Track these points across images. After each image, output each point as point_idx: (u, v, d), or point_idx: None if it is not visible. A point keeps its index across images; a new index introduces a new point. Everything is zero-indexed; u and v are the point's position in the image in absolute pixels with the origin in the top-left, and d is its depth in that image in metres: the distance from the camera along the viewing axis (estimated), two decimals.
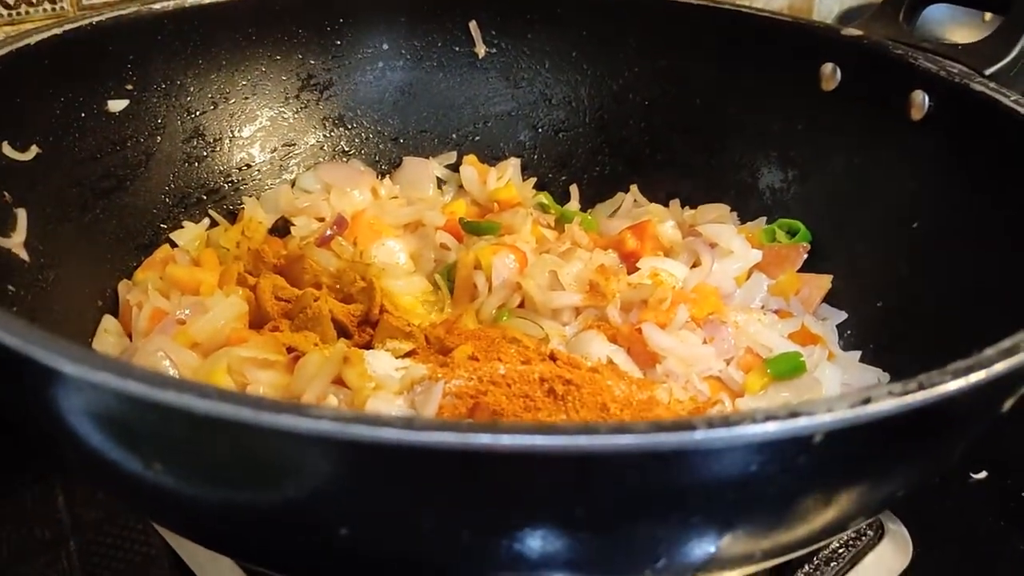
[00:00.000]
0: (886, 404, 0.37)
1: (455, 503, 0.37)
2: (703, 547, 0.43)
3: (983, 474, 0.83)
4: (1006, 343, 0.42)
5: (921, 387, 0.38)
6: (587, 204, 1.00)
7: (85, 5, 0.92)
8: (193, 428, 0.36)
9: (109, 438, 0.40)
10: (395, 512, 0.38)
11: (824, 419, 0.36)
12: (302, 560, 0.45)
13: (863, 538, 0.75)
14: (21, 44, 0.71)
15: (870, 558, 0.74)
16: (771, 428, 0.35)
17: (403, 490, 0.37)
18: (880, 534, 0.76)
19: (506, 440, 0.34)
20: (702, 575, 0.47)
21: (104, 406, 0.38)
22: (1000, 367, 0.40)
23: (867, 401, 0.37)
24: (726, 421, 0.35)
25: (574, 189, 1.01)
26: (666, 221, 0.90)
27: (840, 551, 0.74)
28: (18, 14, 0.88)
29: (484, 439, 0.34)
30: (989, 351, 0.41)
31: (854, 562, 0.74)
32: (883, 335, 0.79)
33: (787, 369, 0.72)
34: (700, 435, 0.35)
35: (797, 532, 0.45)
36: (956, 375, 0.39)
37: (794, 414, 0.36)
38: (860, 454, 0.40)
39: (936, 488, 0.81)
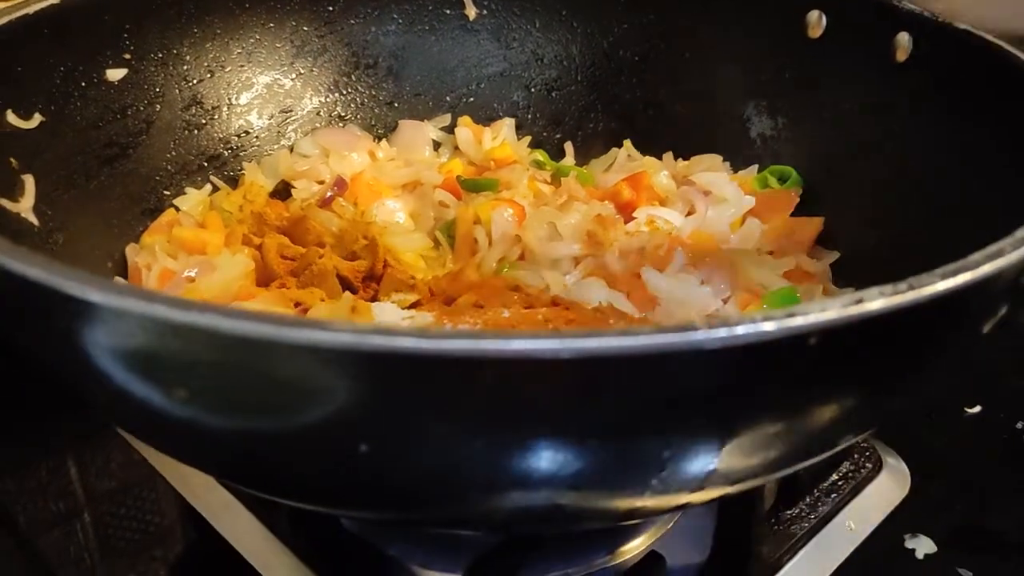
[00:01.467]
0: (877, 303, 0.39)
1: (468, 412, 0.39)
2: (704, 456, 0.44)
3: (977, 408, 0.85)
4: (992, 248, 0.44)
5: (911, 287, 0.40)
6: (582, 161, 1.02)
7: None
8: (218, 349, 0.38)
9: (134, 367, 0.42)
10: (412, 424, 0.40)
11: (819, 318, 0.38)
12: (323, 484, 0.47)
13: (862, 470, 0.78)
14: (20, 14, 0.72)
15: (869, 489, 0.76)
16: (768, 328, 0.37)
17: (419, 400, 0.39)
18: (879, 467, 0.78)
19: (516, 344, 0.36)
20: (704, 492, 0.49)
21: (130, 334, 0.40)
22: (986, 268, 0.42)
23: (859, 301, 0.39)
24: (726, 321, 0.37)
25: (569, 147, 1.03)
26: (660, 172, 0.92)
27: (840, 483, 0.76)
28: None
29: (495, 344, 0.36)
30: (975, 255, 0.43)
31: (854, 493, 0.76)
32: (876, 272, 0.80)
33: (783, 304, 0.74)
34: (701, 335, 0.36)
35: (792, 442, 0.47)
36: (944, 276, 0.41)
37: (790, 314, 0.38)
38: (854, 357, 0.42)
39: (932, 423, 0.83)
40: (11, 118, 0.71)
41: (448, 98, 1.04)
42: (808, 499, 0.74)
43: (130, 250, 0.79)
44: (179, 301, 0.37)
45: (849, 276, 0.83)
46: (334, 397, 0.39)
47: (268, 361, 0.37)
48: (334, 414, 0.40)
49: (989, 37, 0.74)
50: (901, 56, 0.81)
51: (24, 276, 0.40)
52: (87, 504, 0.75)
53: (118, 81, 0.82)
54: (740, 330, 0.37)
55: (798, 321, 0.38)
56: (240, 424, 0.43)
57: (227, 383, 0.40)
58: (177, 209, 0.86)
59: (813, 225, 0.86)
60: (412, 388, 0.38)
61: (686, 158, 0.97)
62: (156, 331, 0.39)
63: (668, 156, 0.98)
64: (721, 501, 0.69)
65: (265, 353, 0.37)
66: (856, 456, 0.77)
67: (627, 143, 1.01)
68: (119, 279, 0.77)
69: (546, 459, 0.42)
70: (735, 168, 0.95)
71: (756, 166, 0.94)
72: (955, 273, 0.41)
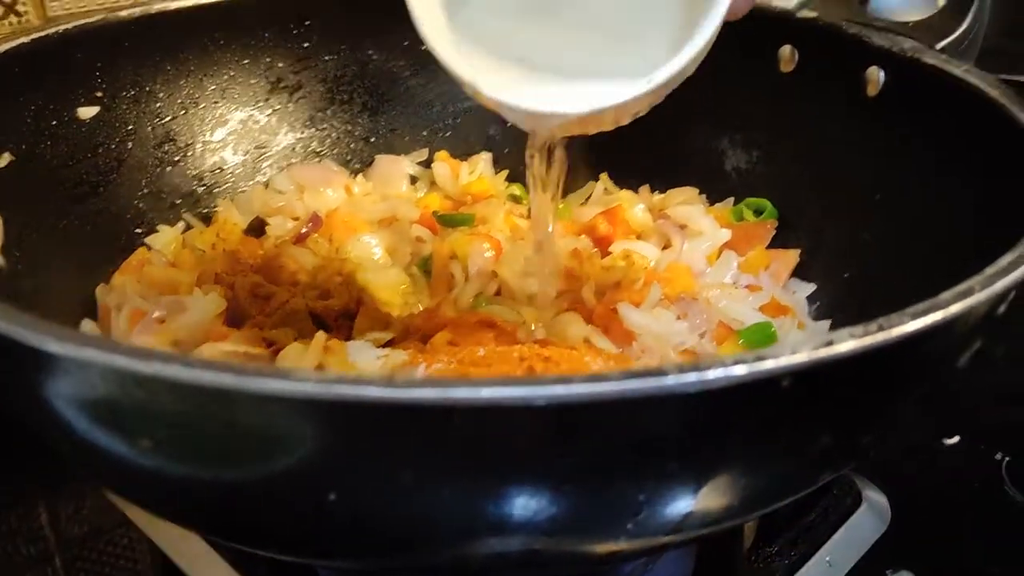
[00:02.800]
0: (848, 345, 0.39)
1: (438, 460, 0.39)
2: (681, 499, 0.44)
3: (956, 439, 0.85)
4: (960, 287, 0.44)
5: (881, 328, 0.40)
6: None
7: (50, 17, 0.92)
8: (180, 399, 0.37)
9: (97, 418, 0.41)
10: (381, 473, 0.39)
11: (790, 361, 0.38)
12: (293, 533, 0.46)
13: (842, 505, 0.77)
14: None
15: (849, 524, 0.76)
16: (739, 371, 0.37)
17: (387, 449, 0.38)
18: (858, 501, 0.78)
19: (485, 393, 0.35)
20: (681, 533, 0.48)
21: (92, 385, 0.39)
22: (956, 308, 0.42)
23: (830, 344, 0.39)
24: (696, 366, 0.37)
25: None
26: (636, 205, 0.92)
27: (819, 519, 0.76)
28: None
29: (462, 392, 0.35)
30: (945, 294, 0.43)
31: (834, 528, 0.75)
32: (851, 305, 0.81)
33: (759, 339, 0.74)
34: (671, 380, 0.36)
35: (769, 482, 0.47)
36: (915, 316, 0.41)
37: (761, 357, 0.37)
38: (827, 397, 0.42)
39: (911, 454, 0.83)
40: None
41: (424, 133, 1.04)
42: (787, 535, 0.74)
43: (100, 291, 0.78)
44: (140, 351, 0.37)
45: (825, 308, 0.83)
46: (300, 446, 0.38)
47: (232, 411, 0.37)
48: (300, 463, 0.39)
49: (958, 72, 0.74)
50: (872, 90, 0.82)
51: None
52: (58, 549, 0.73)
53: (89, 119, 0.82)
54: (711, 374, 0.37)
55: (769, 364, 0.37)
56: (206, 474, 0.42)
57: (191, 433, 0.39)
58: (149, 248, 0.85)
59: (789, 258, 0.86)
60: (379, 437, 0.37)
61: (662, 191, 0.97)
62: (118, 382, 0.38)
63: (644, 189, 0.98)
64: (699, 540, 0.68)
65: (229, 403, 0.36)
66: (835, 491, 0.76)
67: (603, 176, 1.01)
68: (87, 322, 0.76)
69: (520, 505, 0.41)
70: (711, 201, 0.95)
71: (732, 199, 0.94)
72: (925, 313, 0.41)
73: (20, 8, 0.90)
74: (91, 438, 0.42)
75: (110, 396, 0.39)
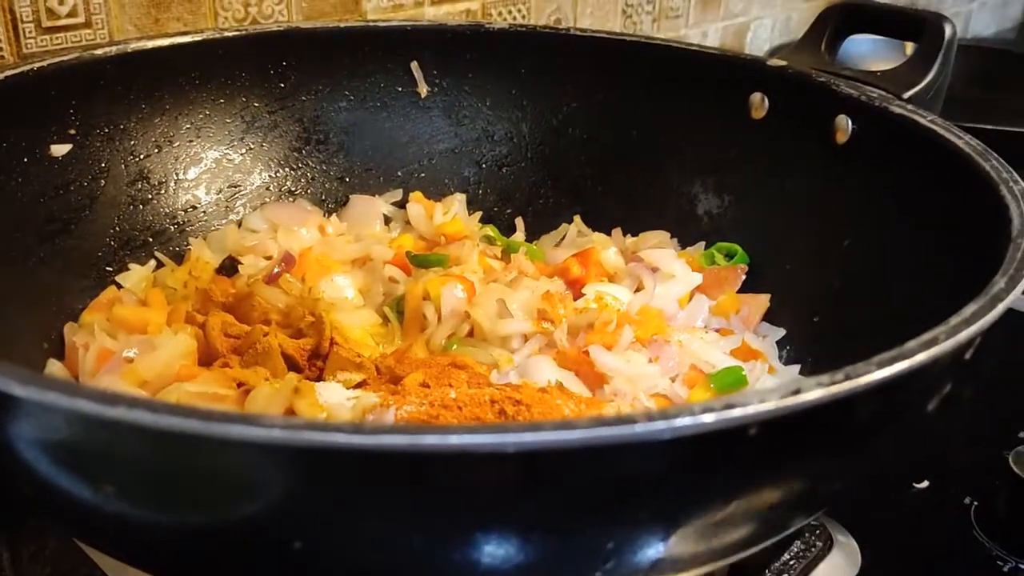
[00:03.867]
0: (815, 394, 0.39)
1: (406, 507, 0.38)
2: (651, 545, 0.44)
3: (925, 484, 0.85)
4: (926, 336, 0.45)
5: (848, 377, 0.40)
6: (532, 236, 1.02)
7: (25, 54, 0.92)
8: (145, 444, 0.37)
9: (60, 462, 0.40)
10: (347, 520, 0.39)
11: (758, 409, 0.38)
12: None
13: (813, 549, 0.77)
14: None
15: (821, 569, 0.76)
16: (707, 419, 0.37)
17: (355, 496, 0.38)
18: (829, 545, 0.77)
19: (454, 440, 0.35)
20: None
21: (55, 428, 0.38)
22: (921, 357, 0.43)
23: (797, 392, 0.39)
24: (664, 414, 0.37)
25: (519, 222, 1.03)
26: (609, 248, 0.92)
27: (791, 563, 0.76)
28: None
29: (432, 439, 0.35)
30: (911, 343, 0.44)
31: (805, 573, 0.75)
32: (820, 349, 0.82)
33: (729, 383, 0.74)
34: (640, 428, 0.36)
35: (740, 528, 0.47)
36: (880, 365, 0.41)
37: (729, 405, 0.38)
38: (795, 445, 0.42)
39: (881, 499, 0.83)
40: None
41: (399, 173, 1.04)
42: None
43: (68, 329, 0.77)
44: (105, 395, 0.36)
45: (795, 353, 0.84)
46: (266, 493, 0.38)
47: (198, 456, 0.36)
48: (266, 510, 0.38)
49: (924, 120, 0.76)
50: (841, 138, 0.84)
51: None
52: None
53: (62, 156, 0.81)
54: (679, 422, 0.37)
55: (737, 412, 0.38)
56: (171, 520, 0.41)
57: (156, 478, 0.39)
58: (119, 286, 0.84)
59: (759, 302, 0.87)
60: (347, 483, 0.37)
61: (635, 234, 0.98)
62: (82, 426, 0.37)
63: (617, 232, 0.99)
64: None
65: (195, 448, 0.36)
66: (807, 535, 0.76)
67: (577, 219, 1.01)
68: (53, 362, 0.75)
69: (488, 553, 0.41)
70: (683, 244, 0.96)
71: (703, 243, 0.95)
72: (891, 362, 0.42)
73: None
74: (54, 482, 0.41)
75: (74, 440, 0.38)
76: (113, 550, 0.50)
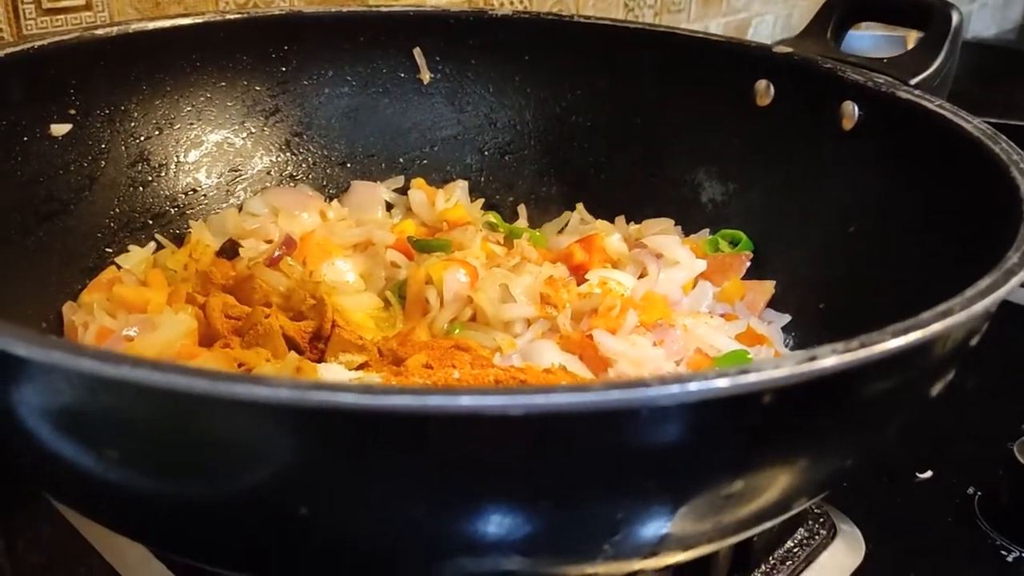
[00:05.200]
0: (830, 361, 0.39)
1: (413, 472, 0.38)
2: (659, 519, 0.43)
3: (928, 473, 0.85)
4: (941, 307, 0.44)
5: (863, 345, 0.40)
6: (535, 224, 1.02)
7: (25, 35, 0.91)
8: (149, 405, 0.36)
9: (62, 427, 0.40)
10: (354, 485, 0.38)
11: (773, 374, 0.37)
12: (264, 552, 0.44)
13: (816, 537, 0.77)
14: None
15: (824, 556, 0.75)
16: (722, 384, 0.36)
17: (362, 460, 0.37)
18: (833, 533, 0.77)
19: (464, 401, 0.34)
20: (657, 557, 0.48)
21: (58, 390, 0.38)
22: (936, 327, 0.42)
23: (812, 359, 0.39)
24: (679, 378, 0.36)
25: (522, 209, 1.03)
26: (612, 235, 0.92)
27: (794, 550, 0.75)
28: None
29: (439, 400, 0.34)
30: (925, 314, 0.43)
31: (809, 560, 0.75)
32: (827, 336, 0.80)
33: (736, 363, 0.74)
34: (654, 391, 0.36)
35: (744, 506, 0.46)
36: (895, 334, 0.41)
37: (744, 371, 0.37)
38: (807, 414, 0.42)
39: (885, 488, 0.83)
40: None
41: (401, 160, 1.04)
42: (763, 567, 0.73)
43: (67, 308, 0.77)
44: (109, 355, 0.36)
45: (800, 340, 0.83)
46: (272, 456, 0.37)
47: (204, 419, 0.36)
48: (272, 475, 0.38)
49: (932, 105, 0.76)
50: (847, 124, 0.83)
51: None
52: None
53: (62, 136, 0.81)
54: (693, 386, 0.36)
55: (752, 378, 0.37)
56: (174, 487, 0.41)
57: (160, 443, 0.38)
58: (119, 267, 0.83)
59: (764, 288, 0.86)
60: (354, 446, 0.36)
61: (638, 222, 0.98)
62: (85, 387, 0.37)
63: (620, 220, 0.98)
64: (674, 569, 0.67)
65: (201, 410, 0.35)
66: (810, 522, 0.76)
67: (579, 206, 1.01)
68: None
69: (495, 522, 0.40)
70: (686, 232, 0.96)
71: (707, 230, 0.94)
72: (905, 331, 0.41)
73: None
74: (56, 449, 0.41)
75: (77, 403, 0.38)
76: (115, 522, 0.49)
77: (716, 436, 0.40)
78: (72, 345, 0.36)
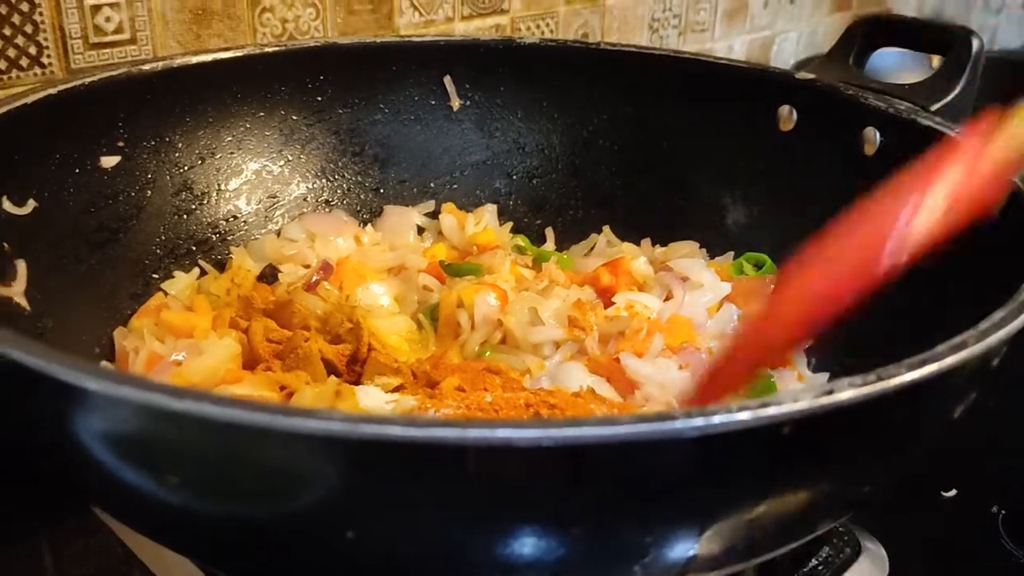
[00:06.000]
0: (847, 394, 0.41)
1: (454, 498, 0.40)
2: (686, 542, 0.45)
3: (953, 492, 0.86)
4: (955, 340, 0.46)
5: (879, 378, 0.42)
6: (562, 246, 1.04)
7: (73, 69, 0.95)
8: (211, 436, 0.39)
9: (126, 454, 0.42)
10: (397, 511, 0.41)
11: (792, 407, 0.40)
12: (309, 570, 0.47)
13: (841, 556, 0.78)
14: (19, 104, 0.74)
15: (848, 575, 0.77)
16: (743, 417, 0.39)
17: (405, 487, 0.40)
18: (857, 552, 0.78)
19: (500, 433, 0.37)
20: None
21: (124, 421, 0.41)
22: (951, 360, 0.44)
23: (830, 392, 0.41)
24: (702, 412, 0.38)
25: (549, 232, 1.05)
26: (638, 258, 0.94)
27: (819, 568, 0.77)
28: (8, 78, 0.92)
29: (478, 433, 0.37)
30: (940, 347, 0.45)
31: None
32: (846, 359, 0.83)
33: (759, 389, 0.76)
34: (679, 424, 0.38)
35: (770, 528, 0.48)
36: (911, 367, 0.43)
37: (764, 404, 0.39)
38: (825, 444, 0.44)
39: (909, 506, 0.84)
40: (6, 205, 0.72)
41: (432, 185, 1.07)
42: None
43: (118, 334, 0.80)
44: (173, 389, 0.38)
45: (821, 363, 0.85)
46: (323, 483, 0.40)
47: (261, 449, 0.39)
48: (322, 501, 0.40)
49: (952, 133, 0.77)
50: (869, 150, 0.85)
51: (21, 363, 0.41)
52: None
53: (111, 168, 0.84)
54: (717, 419, 0.38)
55: (772, 411, 0.39)
56: (229, 510, 0.43)
57: (218, 470, 0.41)
58: (165, 293, 0.87)
59: None
60: (399, 475, 0.39)
61: (663, 244, 1.00)
62: (150, 419, 0.40)
63: (646, 242, 1.01)
64: None
65: (258, 441, 0.38)
66: (835, 541, 0.77)
67: (606, 229, 1.03)
68: (106, 364, 0.77)
69: (529, 545, 0.43)
70: (711, 255, 0.98)
71: (731, 253, 0.96)
72: (921, 364, 0.43)
73: (45, 60, 0.93)
74: (118, 474, 0.44)
75: (141, 433, 0.41)
76: (171, 540, 0.52)
77: (739, 464, 0.42)
78: (139, 380, 0.39)
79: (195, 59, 0.91)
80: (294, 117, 1.00)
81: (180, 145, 0.91)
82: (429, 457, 0.38)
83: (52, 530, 0.78)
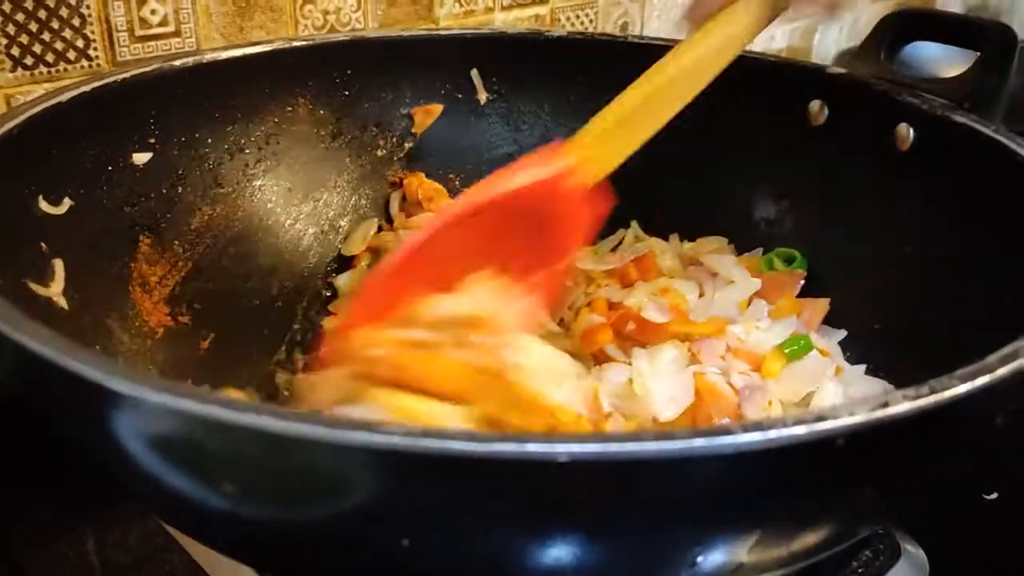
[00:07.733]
0: (902, 407, 0.41)
1: (510, 509, 0.40)
2: (734, 552, 0.46)
3: (995, 495, 0.85)
4: (1006, 350, 0.46)
5: (932, 391, 0.42)
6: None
7: (119, 62, 0.96)
8: (270, 446, 0.39)
9: (181, 464, 0.43)
10: (454, 521, 0.41)
11: (847, 421, 0.40)
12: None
13: (880, 559, 0.77)
14: (53, 102, 0.74)
15: None
16: (799, 431, 0.39)
17: (462, 499, 0.40)
18: (897, 555, 0.77)
19: (559, 448, 0.37)
20: None
21: (180, 432, 0.41)
22: (1003, 371, 0.44)
23: (885, 405, 0.41)
24: (759, 426, 0.39)
25: None
26: (666, 253, 0.94)
27: (859, 571, 0.76)
28: (57, 71, 0.92)
29: (538, 447, 0.37)
30: (991, 358, 0.45)
31: None
32: (880, 355, 0.83)
33: (798, 349, 0.78)
34: (735, 439, 0.38)
35: (814, 535, 0.48)
36: (963, 379, 0.43)
37: (820, 418, 0.39)
38: (876, 456, 0.44)
39: (950, 509, 0.83)
40: (43, 204, 0.72)
41: (458, 179, 1.06)
42: None
43: None
44: (231, 402, 0.39)
45: (856, 358, 0.85)
46: (381, 494, 0.40)
47: (322, 460, 0.39)
48: (379, 510, 0.41)
49: (988, 131, 0.77)
50: (902, 146, 0.84)
51: (78, 374, 0.42)
52: None
53: (143, 164, 0.84)
54: (773, 434, 0.39)
55: (828, 425, 0.39)
56: (286, 517, 0.44)
57: (276, 480, 0.41)
58: None
59: (820, 306, 0.88)
60: (459, 487, 0.39)
61: (692, 239, 1.00)
62: (207, 430, 0.40)
63: (674, 238, 1.00)
64: None
65: (319, 453, 0.38)
66: (875, 544, 0.77)
67: (634, 224, 1.03)
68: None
69: (581, 553, 0.43)
70: (740, 250, 0.97)
71: (760, 248, 0.96)
72: (973, 376, 0.43)
73: (92, 53, 0.94)
74: (171, 482, 0.44)
75: (197, 444, 0.41)
76: (222, 545, 0.52)
77: (792, 476, 0.42)
78: (200, 392, 0.39)
79: (224, 55, 0.91)
80: (321, 112, 1.00)
81: (209, 141, 0.91)
82: (490, 471, 0.38)
83: (98, 522, 0.78)
